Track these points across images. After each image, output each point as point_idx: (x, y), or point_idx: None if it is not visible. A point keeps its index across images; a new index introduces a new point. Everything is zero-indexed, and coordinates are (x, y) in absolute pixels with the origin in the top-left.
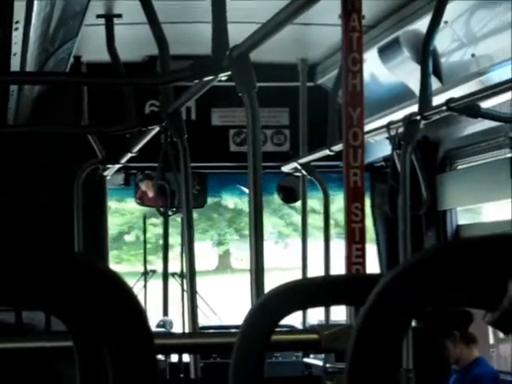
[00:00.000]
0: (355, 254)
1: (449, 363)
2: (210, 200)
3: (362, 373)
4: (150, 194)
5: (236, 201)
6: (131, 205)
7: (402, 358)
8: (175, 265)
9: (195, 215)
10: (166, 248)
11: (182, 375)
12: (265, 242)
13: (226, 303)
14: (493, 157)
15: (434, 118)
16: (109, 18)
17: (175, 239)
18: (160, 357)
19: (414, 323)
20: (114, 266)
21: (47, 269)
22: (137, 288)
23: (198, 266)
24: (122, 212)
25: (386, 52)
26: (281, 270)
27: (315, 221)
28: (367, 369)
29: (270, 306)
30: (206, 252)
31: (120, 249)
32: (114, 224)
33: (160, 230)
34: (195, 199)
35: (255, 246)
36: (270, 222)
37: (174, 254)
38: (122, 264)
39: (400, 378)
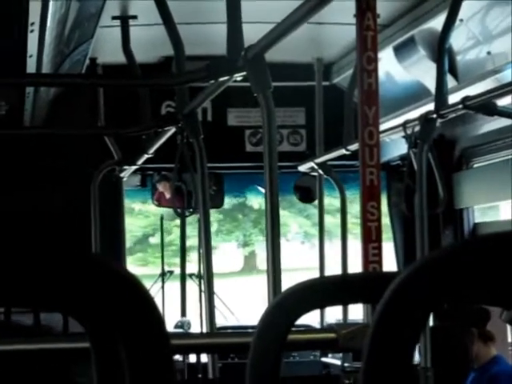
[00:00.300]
0: (372, 253)
1: (468, 362)
2: (234, 200)
3: (378, 370)
4: (167, 194)
5: (260, 201)
6: (155, 207)
7: (421, 357)
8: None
9: (220, 216)
10: (183, 249)
11: (200, 375)
12: (291, 243)
13: (249, 304)
14: (509, 155)
15: (450, 117)
16: (124, 20)
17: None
18: (178, 357)
19: (432, 322)
20: (138, 268)
21: (64, 270)
22: (155, 289)
23: (223, 268)
24: (146, 214)
25: (401, 51)
26: (307, 270)
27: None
28: (383, 366)
29: (286, 304)
30: (231, 253)
31: (145, 251)
32: (138, 226)
33: (187, 231)
34: (212, 199)
35: (272, 245)
36: (296, 222)
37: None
38: (148, 266)
39: (419, 377)
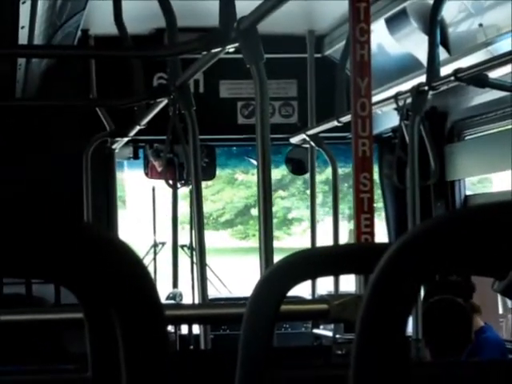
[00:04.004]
0: (364, 224)
1: (469, 334)
2: (340, 171)
3: (371, 342)
4: (159, 168)
5: None
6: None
7: (414, 328)
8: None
9: (325, 187)
10: (175, 220)
11: (191, 347)
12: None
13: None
14: (501, 127)
15: (441, 89)
16: None
17: (301, 212)
18: (170, 328)
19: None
20: (237, 242)
21: (57, 239)
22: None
23: (326, 241)
24: (248, 184)
25: (393, 23)
26: None
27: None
28: (376, 338)
29: (279, 276)
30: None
31: (246, 223)
32: (239, 197)
33: (288, 203)
34: (204, 171)
35: (264, 217)
36: None
37: (303, 227)
38: (247, 240)
39: (410, 348)
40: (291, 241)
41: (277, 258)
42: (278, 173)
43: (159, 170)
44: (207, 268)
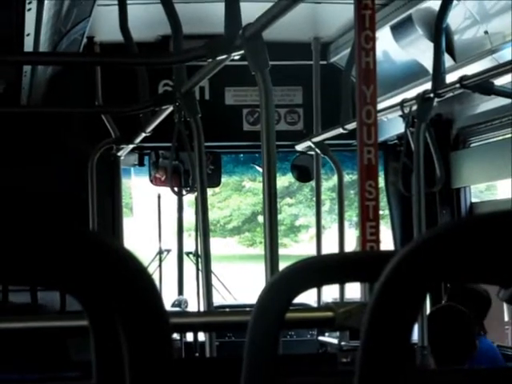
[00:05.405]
0: (369, 232)
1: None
2: (347, 177)
3: (376, 349)
4: (162, 178)
5: None
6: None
7: (420, 336)
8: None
9: (332, 194)
10: (180, 227)
11: (197, 354)
12: None
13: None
14: (506, 134)
15: (447, 96)
16: None
17: (308, 219)
18: (175, 336)
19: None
20: (244, 249)
21: (62, 247)
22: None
23: (333, 249)
24: (256, 191)
25: (398, 30)
26: None
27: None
28: (381, 345)
29: (284, 283)
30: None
31: (253, 231)
32: (247, 204)
33: (295, 210)
34: (209, 178)
35: (269, 224)
36: None
37: (310, 234)
38: (254, 247)
39: (415, 355)
40: (298, 248)
41: (284, 265)
42: (285, 180)
43: (163, 179)
44: (212, 275)
